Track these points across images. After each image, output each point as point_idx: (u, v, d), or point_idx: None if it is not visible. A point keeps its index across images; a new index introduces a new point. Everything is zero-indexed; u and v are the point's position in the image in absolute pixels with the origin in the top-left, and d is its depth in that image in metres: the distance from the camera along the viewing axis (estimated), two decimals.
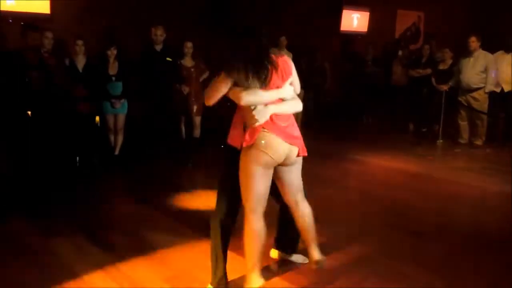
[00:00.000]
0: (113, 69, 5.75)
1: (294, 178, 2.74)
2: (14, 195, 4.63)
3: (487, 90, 6.99)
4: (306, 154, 2.71)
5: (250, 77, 2.51)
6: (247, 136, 2.55)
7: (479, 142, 7.18)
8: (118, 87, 5.78)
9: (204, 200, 4.40)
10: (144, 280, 3.01)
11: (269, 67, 2.56)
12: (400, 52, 9.02)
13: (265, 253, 2.87)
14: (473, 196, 4.91)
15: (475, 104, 7.07)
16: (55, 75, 5.16)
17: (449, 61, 7.48)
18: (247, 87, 2.53)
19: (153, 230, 3.84)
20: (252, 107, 2.53)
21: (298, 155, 2.67)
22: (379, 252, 3.42)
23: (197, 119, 6.51)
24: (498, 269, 3.21)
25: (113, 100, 5.76)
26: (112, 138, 6.01)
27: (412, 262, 3.28)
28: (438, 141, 7.45)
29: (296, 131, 2.69)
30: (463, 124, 7.30)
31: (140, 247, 3.49)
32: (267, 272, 3.04)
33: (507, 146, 6.96)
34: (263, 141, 2.53)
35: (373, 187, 5.15)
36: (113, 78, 5.73)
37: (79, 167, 5.68)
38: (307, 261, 3.14)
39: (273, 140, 2.55)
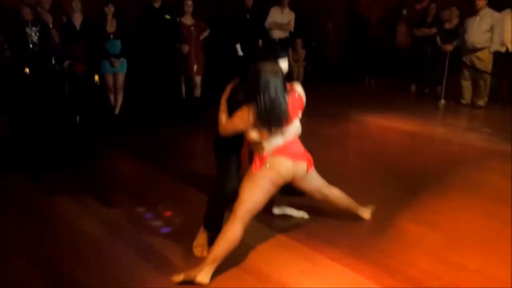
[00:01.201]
0: (111, 27, 5.65)
1: (312, 183, 2.99)
2: (15, 155, 4.65)
3: (492, 50, 6.87)
4: (313, 166, 2.92)
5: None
6: (257, 163, 2.72)
7: (481, 103, 7.12)
8: (116, 46, 5.69)
9: (204, 159, 4.42)
10: (145, 235, 3.07)
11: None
12: (404, 11, 8.82)
13: (266, 210, 2.92)
14: (473, 156, 4.91)
15: (479, 64, 6.97)
16: (52, 33, 5.06)
17: (455, 20, 7.31)
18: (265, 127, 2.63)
19: (154, 188, 3.89)
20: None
21: (307, 171, 2.87)
22: (377, 209, 3.46)
23: (198, 79, 6.45)
24: (495, 225, 3.25)
25: (112, 59, 5.69)
26: (111, 97, 5.98)
27: (410, 218, 3.32)
28: (440, 102, 7.40)
29: (300, 148, 2.84)
30: (466, 84, 7.21)
31: (142, 203, 3.54)
32: (271, 229, 3.11)
33: (510, 107, 6.92)
34: (268, 165, 2.71)
35: (373, 147, 5.16)
36: (111, 36, 5.64)
37: (79, 126, 5.68)
38: (306, 216, 3.29)
39: (281, 161, 2.72)
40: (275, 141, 2.70)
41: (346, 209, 3.24)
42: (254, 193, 2.67)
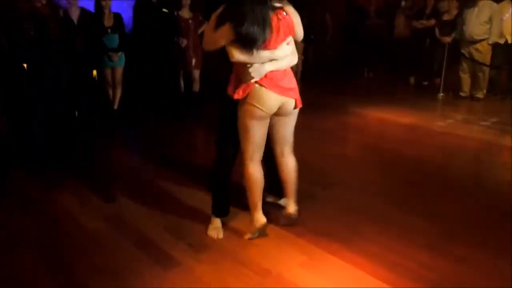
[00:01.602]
0: (108, 21, 5.61)
1: (286, 130, 2.85)
2: (14, 150, 4.65)
3: (490, 41, 6.86)
4: (301, 105, 2.78)
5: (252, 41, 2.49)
6: (240, 91, 2.63)
7: (480, 95, 7.13)
8: (114, 40, 5.66)
9: (203, 153, 4.42)
10: (146, 229, 3.08)
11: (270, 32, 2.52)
12: (403, 3, 8.78)
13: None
14: (472, 148, 4.93)
15: (477, 56, 6.96)
16: (50, 27, 5.04)
17: (454, 12, 7.29)
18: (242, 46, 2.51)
19: (153, 182, 3.89)
20: (248, 65, 2.56)
21: (295, 107, 2.76)
22: (375, 202, 3.48)
23: (196, 73, 6.43)
24: (493, 217, 3.27)
25: (110, 53, 5.67)
26: (110, 92, 5.97)
27: (409, 210, 3.33)
28: (438, 95, 7.40)
29: (292, 83, 2.73)
30: (465, 76, 7.21)
31: (141, 198, 3.54)
32: (268, 222, 3.08)
33: (509, 99, 6.92)
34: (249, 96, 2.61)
35: (371, 139, 5.17)
36: (109, 30, 5.61)
37: (78, 121, 5.68)
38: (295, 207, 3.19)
39: (264, 94, 2.61)
40: (263, 68, 2.57)
41: (283, 187, 3.03)
42: (248, 134, 2.71)
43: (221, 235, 2.96)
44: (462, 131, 5.48)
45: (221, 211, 3.08)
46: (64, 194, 3.66)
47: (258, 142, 2.76)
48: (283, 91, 2.66)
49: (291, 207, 3.04)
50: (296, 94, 2.75)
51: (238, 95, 2.64)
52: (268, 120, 2.74)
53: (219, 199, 3.07)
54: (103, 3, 5.53)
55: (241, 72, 2.63)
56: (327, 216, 3.24)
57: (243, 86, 2.63)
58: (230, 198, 3.12)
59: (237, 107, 2.71)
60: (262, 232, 2.94)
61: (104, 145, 5.02)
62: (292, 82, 2.73)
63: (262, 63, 2.57)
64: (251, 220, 2.91)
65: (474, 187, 3.85)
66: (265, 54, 2.57)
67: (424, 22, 7.88)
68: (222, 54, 2.65)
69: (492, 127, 5.61)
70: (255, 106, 2.62)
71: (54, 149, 4.71)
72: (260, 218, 2.88)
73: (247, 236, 2.92)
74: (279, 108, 2.70)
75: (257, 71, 2.57)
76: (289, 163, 2.93)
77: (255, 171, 2.79)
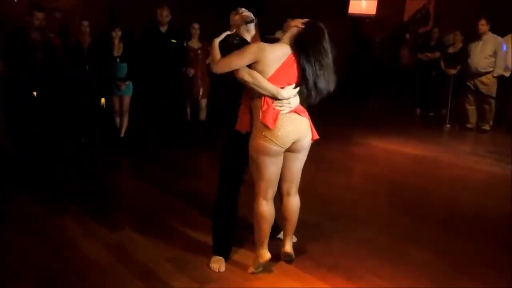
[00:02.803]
0: (118, 50, 5.73)
1: (295, 166, 2.77)
2: (20, 174, 4.67)
3: (495, 74, 6.90)
4: (317, 137, 2.76)
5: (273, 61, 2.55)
6: (269, 120, 2.55)
7: (486, 127, 7.11)
8: (123, 69, 5.76)
9: (209, 182, 4.40)
10: (148, 259, 3.04)
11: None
12: (407, 35, 8.91)
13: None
14: (479, 180, 4.89)
15: (483, 89, 6.99)
16: (61, 56, 5.14)
17: (459, 45, 7.37)
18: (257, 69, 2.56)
19: (157, 211, 3.87)
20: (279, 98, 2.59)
21: (312, 139, 2.74)
22: (382, 234, 3.43)
23: (203, 102, 6.49)
24: (500, 252, 3.21)
25: (118, 82, 5.75)
26: (117, 120, 6.03)
27: (415, 244, 3.28)
28: (445, 126, 7.39)
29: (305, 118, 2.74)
30: (471, 108, 7.22)
31: (144, 227, 3.52)
32: (276, 255, 3.05)
33: None
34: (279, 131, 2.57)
35: (377, 170, 5.14)
36: (118, 60, 5.71)
37: (85, 148, 5.71)
38: (295, 239, 3.15)
39: (285, 125, 2.58)
40: (294, 101, 2.61)
41: (282, 225, 2.96)
42: (258, 170, 2.66)
43: (223, 268, 2.90)
44: (469, 163, 5.44)
45: (221, 250, 3.00)
46: (67, 220, 3.64)
47: (272, 179, 2.69)
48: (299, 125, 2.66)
49: (288, 247, 2.95)
50: (310, 127, 2.74)
51: (270, 125, 2.55)
52: (281, 157, 2.68)
53: (220, 238, 3.02)
54: (113, 33, 5.66)
55: (257, 105, 2.61)
56: (332, 249, 3.20)
57: (269, 115, 2.56)
58: (233, 238, 3.07)
59: (248, 143, 2.66)
60: (266, 267, 2.87)
61: (110, 172, 5.02)
62: (305, 118, 2.73)
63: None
64: (256, 255, 2.85)
65: (481, 220, 3.79)
66: (271, 86, 2.59)
67: (429, 54, 7.96)
68: (230, 88, 2.69)
69: (499, 159, 5.57)
70: (270, 140, 2.56)
71: (59, 173, 4.72)
72: (265, 254, 2.81)
73: (251, 270, 2.86)
74: (294, 143, 2.64)
75: (290, 103, 2.60)
76: (293, 203, 2.86)
77: (267, 209, 2.72)
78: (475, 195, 4.40)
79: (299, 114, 2.67)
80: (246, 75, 2.56)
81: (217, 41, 2.73)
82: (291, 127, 2.60)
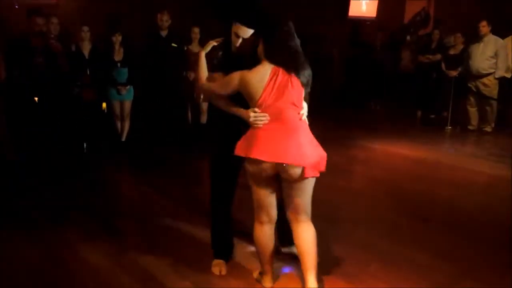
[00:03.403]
0: (118, 55, 5.73)
1: (296, 197, 2.51)
2: (21, 179, 4.67)
3: (497, 76, 6.88)
4: (313, 175, 2.46)
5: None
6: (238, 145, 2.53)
7: (488, 129, 7.09)
8: (123, 74, 5.77)
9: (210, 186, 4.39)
10: (149, 265, 3.03)
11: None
12: (408, 38, 8.90)
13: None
14: (480, 182, 4.87)
15: (484, 90, 6.97)
16: (61, 61, 5.15)
17: (460, 46, 7.37)
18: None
19: (159, 216, 3.86)
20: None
21: (305, 176, 2.42)
22: (384, 237, 3.42)
23: (204, 105, 6.48)
24: (502, 254, 3.19)
25: (119, 87, 5.76)
26: (118, 124, 6.02)
27: (418, 248, 3.26)
28: (446, 128, 7.37)
29: (310, 149, 2.47)
30: (472, 110, 7.21)
31: (146, 233, 3.51)
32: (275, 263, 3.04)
33: None
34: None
35: (379, 173, 5.12)
36: (119, 64, 5.72)
37: (86, 153, 5.71)
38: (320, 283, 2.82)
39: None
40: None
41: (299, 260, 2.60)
42: (253, 194, 2.58)
43: (224, 271, 2.89)
44: (470, 165, 5.42)
45: (221, 253, 3.00)
46: (67, 226, 3.63)
47: (262, 204, 2.56)
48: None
49: (312, 283, 2.50)
50: (309, 161, 2.41)
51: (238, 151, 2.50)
52: (272, 182, 2.52)
53: (218, 241, 3.01)
54: (114, 38, 5.67)
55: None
56: (334, 253, 3.18)
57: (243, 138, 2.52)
58: (231, 240, 3.07)
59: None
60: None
61: (111, 177, 5.02)
62: (310, 149, 2.47)
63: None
64: (259, 279, 2.78)
65: (484, 222, 3.77)
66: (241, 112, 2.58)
67: (430, 56, 7.95)
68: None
69: (501, 161, 5.55)
70: (248, 164, 2.48)
71: (62, 178, 4.72)
72: (265, 281, 2.70)
73: None
74: (281, 170, 2.42)
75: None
76: (305, 232, 2.53)
77: (262, 235, 2.59)
78: (477, 197, 4.38)
79: (289, 135, 2.43)
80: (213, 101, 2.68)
81: (203, 54, 2.72)
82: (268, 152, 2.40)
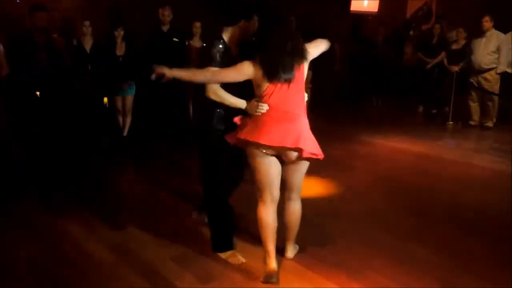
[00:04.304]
0: (120, 50, 5.72)
1: (290, 177, 2.78)
2: (25, 176, 4.68)
3: (499, 71, 6.87)
4: (310, 156, 2.66)
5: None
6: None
7: (490, 124, 7.09)
8: (125, 69, 5.75)
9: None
10: (152, 259, 3.05)
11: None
12: (411, 33, 8.87)
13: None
14: (482, 177, 4.87)
15: (486, 85, 6.96)
16: (64, 56, 5.15)
17: (463, 41, 7.34)
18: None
19: (161, 211, 3.88)
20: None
21: (302, 156, 2.65)
22: (386, 232, 3.43)
23: None
24: (505, 250, 3.19)
25: (120, 82, 5.75)
26: (120, 119, 6.03)
27: (419, 243, 3.27)
28: (448, 123, 7.36)
29: (308, 135, 2.67)
30: (474, 105, 7.20)
31: (147, 226, 3.52)
32: (279, 254, 3.05)
33: None
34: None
35: (381, 169, 5.13)
36: (121, 59, 5.71)
37: (88, 148, 5.72)
38: (297, 248, 3.10)
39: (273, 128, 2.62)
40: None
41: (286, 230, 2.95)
42: (254, 174, 2.74)
43: (243, 259, 2.95)
44: (472, 160, 5.42)
45: (222, 245, 3.04)
46: (71, 221, 3.65)
47: (265, 183, 2.72)
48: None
49: (290, 252, 3.00)
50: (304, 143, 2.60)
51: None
52: (273, 161, 2.70)
53: (223, 232, 3.05)
54: (116, 33, 5.66)
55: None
56: (337, 248, 3.19)
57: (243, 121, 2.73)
58: (232, 229, 3.10)
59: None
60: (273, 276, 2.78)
61: (113, 172, 5.03)
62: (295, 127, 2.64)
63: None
64: (264, 262, 2.84)
65: (486, 218, 3.78)
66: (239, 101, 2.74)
67: (434, 60, 7.86)
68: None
69: (503, 156, 5.55)
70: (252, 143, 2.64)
71: (63, 174, 4.74)
72: (270, 263, 2.79)
73: (261, 279, 2.78)
74: (282, 152, 2.65)
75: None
76: (294, 208, 2.87)
77: (265, 214, 2.75)
78: (479, 193, 4.39)
79: (290, 123, 2.61)
80: (213, 95, 2.71)
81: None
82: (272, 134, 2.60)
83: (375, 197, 4.22)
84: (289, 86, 2.59)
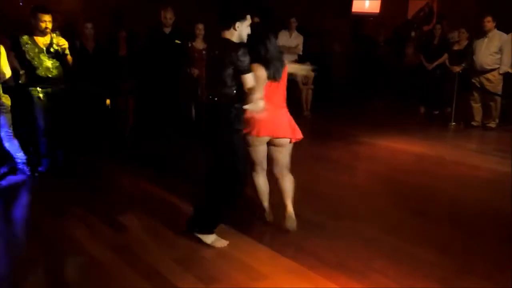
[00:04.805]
0: (123, 51, 5.76)
1: (281, 157, 3.43)
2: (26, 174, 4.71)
3: (501, 71, 6.86)
4: (296, 140, 3.38)
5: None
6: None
7: (492, 125, 7.08)
8: (128, 70, 5.79)
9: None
10: (154, 260, 3.06)
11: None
12: (413, 33, 8.88)
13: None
14: (485, 179, 4.87)
15: (488, 86, 6.95)
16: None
17: (465, 42, 7.34)
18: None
19: (163, 211, 3.88)
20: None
21: (292, 141, 3.40)
22: (387, 233, 3.43)
23: None
24: (507, 251, 3.19)
25: (123, 83, 5.78)
26: (122, 120, 6.05)
27: (420, 243, 3.28)
28: (450, 124, 7.36)
29: (292, 124, 3.37)
30: (476, 106, 7.19)
31: (150, 227, 3.54)
32: (283, 255, 3.10)
33: None
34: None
35: (382, 169, 5.13)
36: (123, 61, 5.74)
37: (90, 148, 5.73)
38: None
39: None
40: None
41: (282, 197, 3.43)
42: (250, 153, 3.39)
43: (225, 242, 3.19)
44: (474, 161, 5.42)
45: (213, 226, 3.22)
46: (72, 221, 3.66)
47: (258, 160, 3.44)
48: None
49: (290, 207, 3.41)
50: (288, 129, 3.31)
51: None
52: (264, 145, 3.37)
53: (219, 216, 3.24)
54: (118, 34, 5.68)
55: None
56: (338, 248, 3.20)
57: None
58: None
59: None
60: (272, 265, 2.87)
61: (115, 172, 5.05)
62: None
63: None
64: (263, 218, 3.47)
65: (488, 219, 3.78)
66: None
67: (435, 63, 7.85)
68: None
69: (505, 156, 5.53)
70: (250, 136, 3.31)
71: (65, 173, 4.76)
72: (268, 217, 3.53)
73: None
74: (273, 139, 3.33)
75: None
76: (289, 178, 3.46)
77: (260, 180, 3.49)
78: (481, 194, 4.38)
79: (279, 115, 3.31)
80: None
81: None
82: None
83: (376, 198, 4.22)
84: (278, 84, 3.23)
